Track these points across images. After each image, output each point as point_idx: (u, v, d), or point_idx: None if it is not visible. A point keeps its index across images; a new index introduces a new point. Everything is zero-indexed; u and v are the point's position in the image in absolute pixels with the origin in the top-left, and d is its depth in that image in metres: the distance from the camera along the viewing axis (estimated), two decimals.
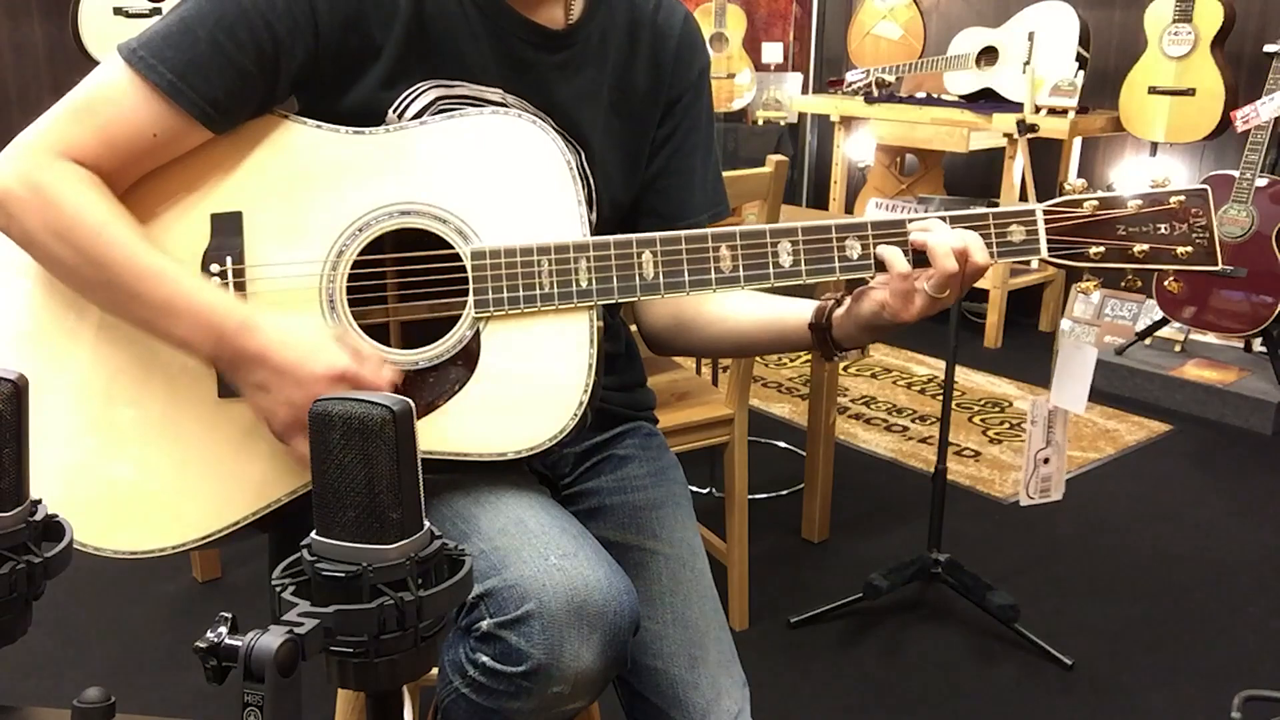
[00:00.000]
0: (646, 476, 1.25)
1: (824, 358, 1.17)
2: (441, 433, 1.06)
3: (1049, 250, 1.10)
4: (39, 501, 0.63)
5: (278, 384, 1.01)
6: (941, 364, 3.27)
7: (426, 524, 0.60)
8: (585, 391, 1.06)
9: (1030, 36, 3.77)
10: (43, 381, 1.04)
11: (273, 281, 1.07)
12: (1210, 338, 3.63)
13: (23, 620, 0.62)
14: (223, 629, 0.53)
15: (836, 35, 5.05)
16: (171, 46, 1.03)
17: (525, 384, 1.06)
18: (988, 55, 4.14)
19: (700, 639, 1.17)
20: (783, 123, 4.87)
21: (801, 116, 5.07)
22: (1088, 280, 1.13)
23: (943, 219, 1.08)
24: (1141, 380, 3.51)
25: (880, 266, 1.08)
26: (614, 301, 1.08)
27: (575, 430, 1.06)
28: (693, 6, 4.61)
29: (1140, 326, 3.67)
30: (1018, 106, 3.80)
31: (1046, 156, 3.99)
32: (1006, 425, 3.32)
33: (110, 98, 1.03)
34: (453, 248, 1.07)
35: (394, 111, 1.10)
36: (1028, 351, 4.01)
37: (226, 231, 1.07)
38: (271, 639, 0.51)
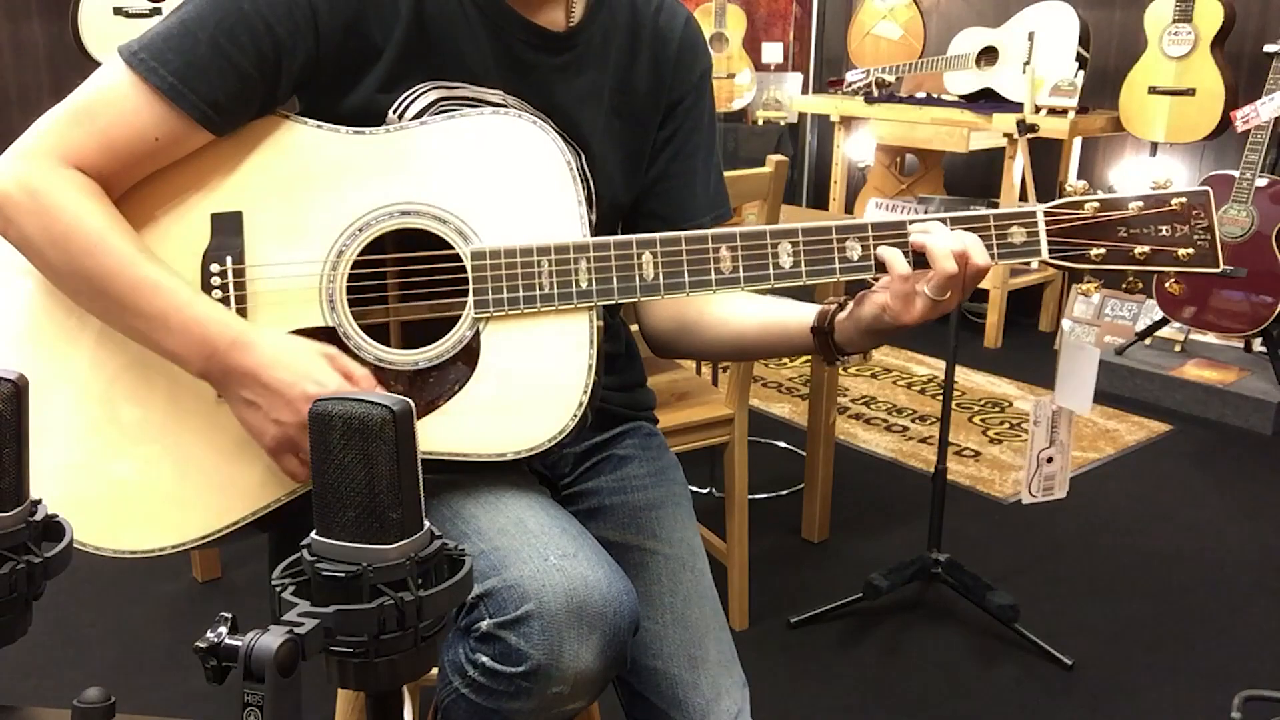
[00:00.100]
0: (646, 476, 1.25)
1: (826, 362, 1.16)
2: (441, 433, 1.06)
3: (1050, 252, 1.10)
4: (39, 501, 0.63)
5: (267, 403, 1.01)
6: (941, 364, 3.27)
7: (426, 524, 0.60)
8: (585, 392, 1.06)
9: (1030, 36, 3.77)
10: (43, 381, 1.04)
11: (273, 281, 1.07)
12: (1210, 338, 3.63)
13: (23, 620, 0.62)
14: (223, 629, 0.53)
15: (836, 35, 5.05)
16: (172, 49, 1.03)
17: (525, 384, 1.06)
18: (988, 55, 4.14)
19: (700, 639, 1.17)
20: (783, 123, 4.87)
21: (801, 116, 5.07)
22: (1089, 281, 1.13)
23: (943, 221, 1.08)
24: (1141, 380, 3.51)
25: (880, 268, 1.08)
26: (614, 302, 1.08)
27: (575, 430, 1.06)
28: (693, 6, 4.61)
29: (1140, 326, 3.67)
30: (1018, 106, 3.80)
31: (1046, 156, 3.99)
32: (1006, 425, 3.32)
33: (111, 101, 1.03)
34: (453, 248, 1.07)
35: (394, 112, 1.10)
36: (1028, 351, 4.02)
37: (227, 231, 1.07)
38: (271, 639, 0.52)
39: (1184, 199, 1.09)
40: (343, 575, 0.57)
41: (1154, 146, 3.90)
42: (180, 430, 1.06)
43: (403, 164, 1.07)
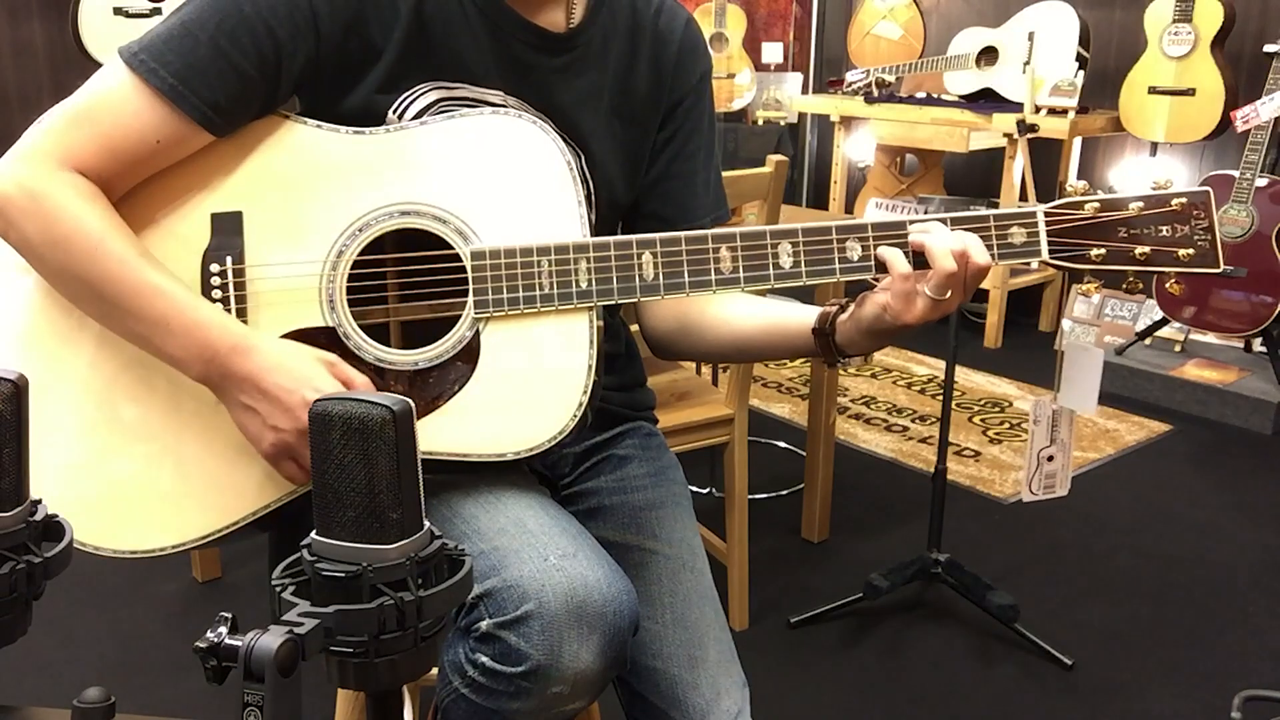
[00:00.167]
0: (646, 477, 1.26)
1: (827, 364, 1.16)
2: (442, 433, 1.06)
3: (1050, 252, 1.10)
4: (39, 501, 0.63)
5: (266, 409, 1.01)
6: (941, 364, 3.27)
7: (426, 524, 0.60)
8: (585, 392, 1.06)
9: (1030, 36, 3.77)
10: (43, 381, 1.04)
11: (273, 281, 1.07)
12: (1210, 338, 3.64)
13: (23, 620, 0.62)
14: (223, 629, 0.53)
15: (836, 35, 5.05)
16: (173, 50, 1.03)
17: (525, 384, 1.06)
18: (988, 55, 4.14)
19: (700, 639, 1.17)
20: (783, 123, 4.87)
21: (801, 116, 5.07)
22: (1089, 282, 1.13)
23: (943, 221, 1.08)
24: (1141, 380, 3.51)
25: (881, 268, 1.08)
26: (614, 302, 1.08)
27: (575, 430, 1.06)
28: (692, 6, 4.61)
29: (1140, 326, 3.67)
30: (1018, 106, 3.80)
31: (1046, 156, 3.99)
32: (1006, 425, 3.33)
33: (111, 103, 1.03)
34: (453, 248, 1.07)
35: (394, 112, 1.10)
36: (1028, 351, 4.02)
37: (227, 231, 1.07)
38: (271, 639, 0.52)
39: (1184, 199, 1.09)
40: (343, 575, 0.57)
41: (1154, 146, 3.90)
42: (180, 430, 1.06)
43: (403, 164, 1.07)
